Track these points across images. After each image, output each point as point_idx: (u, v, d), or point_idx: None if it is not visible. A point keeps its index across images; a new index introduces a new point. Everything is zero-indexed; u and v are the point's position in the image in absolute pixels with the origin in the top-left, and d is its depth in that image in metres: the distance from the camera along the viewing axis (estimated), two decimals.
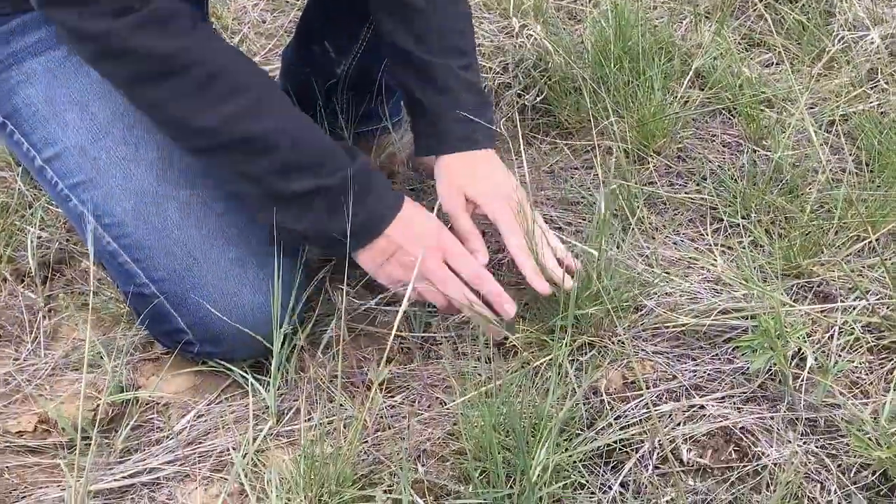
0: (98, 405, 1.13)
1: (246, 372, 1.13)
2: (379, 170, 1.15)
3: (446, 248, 1.12)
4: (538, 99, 1.63)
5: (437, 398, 1.09)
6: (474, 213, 1.21)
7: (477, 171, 1.22)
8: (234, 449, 1.05)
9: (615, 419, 1.04)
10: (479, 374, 1.09)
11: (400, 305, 1.25)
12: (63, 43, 1.13)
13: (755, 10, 1.81)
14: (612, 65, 1.60)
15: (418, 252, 1.09)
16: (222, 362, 1.15)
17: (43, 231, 1.40)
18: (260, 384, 1.12)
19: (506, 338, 1.13)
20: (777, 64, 1.72)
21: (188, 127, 1.03)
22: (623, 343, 1.14)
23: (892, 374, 1.11)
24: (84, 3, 0.96)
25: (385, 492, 0.95)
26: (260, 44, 1.97)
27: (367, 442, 1.04)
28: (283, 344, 1.10)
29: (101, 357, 1.18)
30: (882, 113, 1.55)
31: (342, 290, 1.29)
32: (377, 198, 1.10)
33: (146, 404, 1.15)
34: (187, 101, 1.01)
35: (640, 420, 1.04)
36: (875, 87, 1.61)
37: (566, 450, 0.97)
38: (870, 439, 0.99)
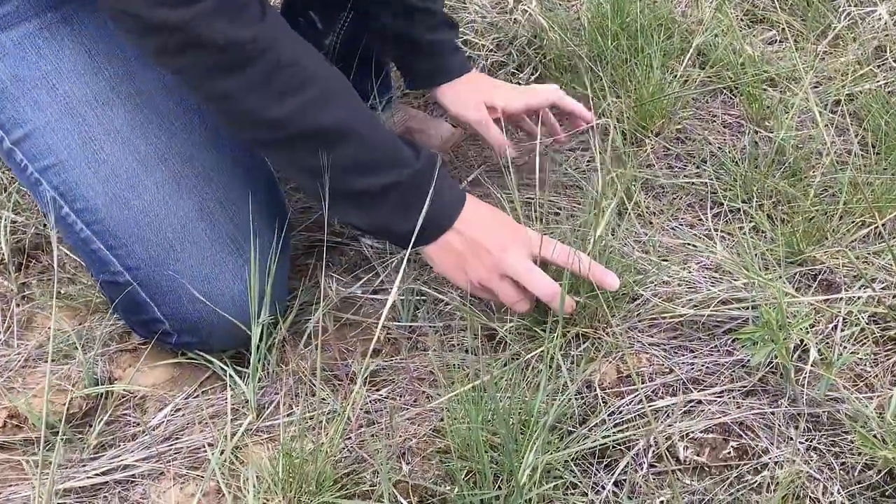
0: (70, 399, 1.09)
1: (226, 363, 1.09)
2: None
3: (528, 239, 1.06)
4: (532, 77, 1.57)
5: (424, 392, 1.05)
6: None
7: (486, 84, 1.33)
8: (210, 445, 1.01)
9: (609, 415, 0.99)
10: (467, 368, 1.04)
11: (388, 294, 1.21)
12: (127, 40, 1.07)
13: None
14: (610, 42, 1.55)
15: (497, 248, 1.05)
16: (201, 353, 1.10)
17: (18, 215, 1.35)
18: (240, 376, 1.08)
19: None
20: (781, 41, 1.66)
21: (257, 118, 0.98)
22: (618, 335, 1.09)
23: None
24: None
25: (366, 493, 0.91)
26: None
27: (349, 438, 0.99)
28: (262, 335, 1.05)
29: (76, 348, 1.13)
30: (889, 92, 1.49)
31: (328, 276, 1.25)
32: (444, 191, 1.06)
33: (122, 397, 1.10)
34: (258, 91, 0.96)
35: (635, 416, 0.99)
36: (882, 65, 1.55)
37: (557, 449, 0.93)
38: (875, 437, 0.94)
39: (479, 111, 1.30)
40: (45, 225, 1.34)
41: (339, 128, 1.00)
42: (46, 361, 1.15)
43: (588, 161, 1.43)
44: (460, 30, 1.64)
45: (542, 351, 1.05)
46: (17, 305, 1.23)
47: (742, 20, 1.74)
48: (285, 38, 0.99)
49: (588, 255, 1.06)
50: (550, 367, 1.00)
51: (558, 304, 1.00)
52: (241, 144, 1.13)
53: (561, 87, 1.52)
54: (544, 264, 1.06)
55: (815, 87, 1.55)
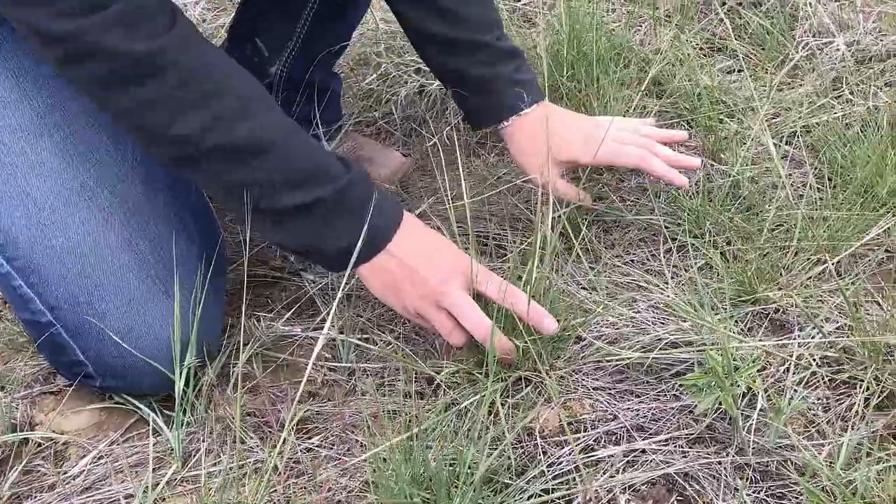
0: None
1: (154, 407, 1.04)
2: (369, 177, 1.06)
3: (467, 268, 1.02)
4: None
5: (357, 441, 1.00)
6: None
7: (555, 130, 1.21)
8: (131, 497, 0.96)
9: (548, 466, 0.95)
10: (406, 413, 0.99)
11: (329, 333, 1.17)
12: (34, 50, 1.02)
13: (718, 13, 1.73)
14: (565, 71, 1.52)
15: (435, 277, 1.00)
16: (128, 397, 1.05)
17: None
18: (168, 421, 1.02)
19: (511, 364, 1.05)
20: (739, 71, 1.64)
21: (163, 135, 0.93)
22: (562, 378, 1.05)
23: (850, 411, 1.03)
24: (51, 2, 0.86)
25: None
26: None
27: (275, 491, 0.94)
28: (189, 379, 1.00)
29: None
30: (847, 125, 1.47)
31: (265, 314, 1.20)
32: (377, 210, 0.99)
33: (42, 444, 1.05)
34: (162, 106, 0.91)
35: (576, 467, 0.95)
36: (840, 97, 1.53)
37: None
38: (824, 489, 0.90)
39: (542, 174, 1.20)
40: None
41: (253, 142, 0.94)
42: None
43: (542, 194, 1.39)
44: (412, 57, 1.61)
45: (482, 397, 1.00)
46: None
47: (702, 49, 1.72)
48: (195, 50, 0.93)
49: (528, 293, 1.01)
50: (489, 413, 0.96)
51: (489, 343, 0.96)
52: (175, 176, 1.08)
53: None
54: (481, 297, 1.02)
55: (774, 117, 1.53)
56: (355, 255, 0.93)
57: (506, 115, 1.23)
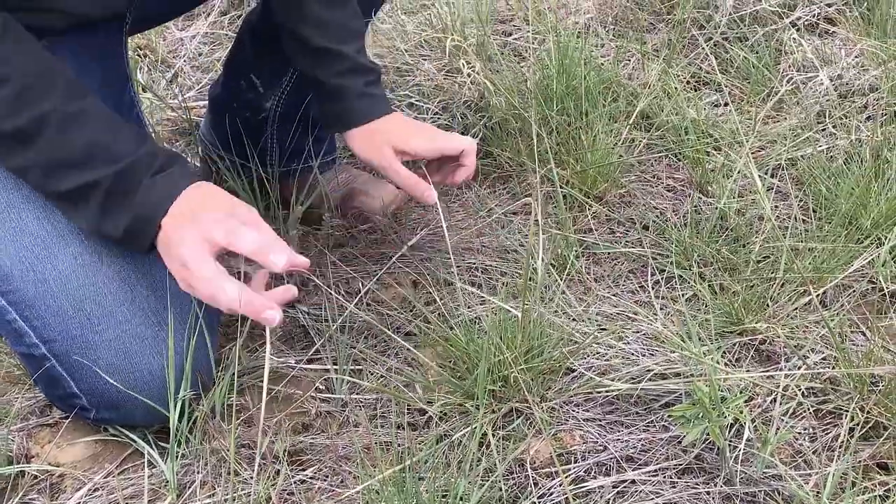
0: None
1: (148, 440, 1.05)
2: (170, 154, 1.04)
3: (216, 237, 0.97)
4: (476, 140, 1.56)
5: (350, 473, 1.01)
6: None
7: (391, 127, 1.27)
8: None
9: (539, 497, 0.96)
10: (393, 448, 1.00)
11: (323, 363, 1.18)
12: None
13: (704, 48, 1.76)
14: (555, 105, 1.55)
15: (181, 254, 0.96)
16: (122, 429, 1.06)
17: None
18: (163, 453, 1.03)
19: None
20: (725, 104, 1.67)
21: None
22: (553, 409, 1.07)
23: (836, 441, 1.05)
24: None
25: None
26: (195, 77, 1.89)
27: None
28: (184, 411, 1.01)
29: None
30: (830, 158, 1.50)
31: (260, 346, 1.21)
32: (147, 190, 0.98)
33: (38, 477, 1.06)
34: None
35: (567, 499, 0.96)
36: (824, 130, 1.56)
37: None
38: None
39: (385, 156, 1.24)
40: None
41: (27, 130, 0.95)
42: None
43: (532, 224, 1.42)
44: (404, 91, 1.64)
45: (473, 429, 1.02)
46: None
47: (689, 83, 1.75)
48: None
49: (519, 325, 1.03)
50: (480, 445, 0.97)
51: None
52: None
53: (506, 151, 1.53)
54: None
55: (759, 150, 1.56)
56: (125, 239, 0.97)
57: (354, 123, 1.28)
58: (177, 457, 1.01)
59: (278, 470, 1.01)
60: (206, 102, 1.56)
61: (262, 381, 1.15)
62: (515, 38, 1.85)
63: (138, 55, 1.91)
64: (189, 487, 1.02)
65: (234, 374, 1.13)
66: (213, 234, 0.97)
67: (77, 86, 1.01)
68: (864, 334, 1.20)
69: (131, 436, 1.05)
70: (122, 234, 0.99)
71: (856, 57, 1.68)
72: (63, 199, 1.00)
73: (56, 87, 0.98)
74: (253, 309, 0.96)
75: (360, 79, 1.27)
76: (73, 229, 1.03)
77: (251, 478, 1.01)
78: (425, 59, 1.74)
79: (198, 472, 1.02)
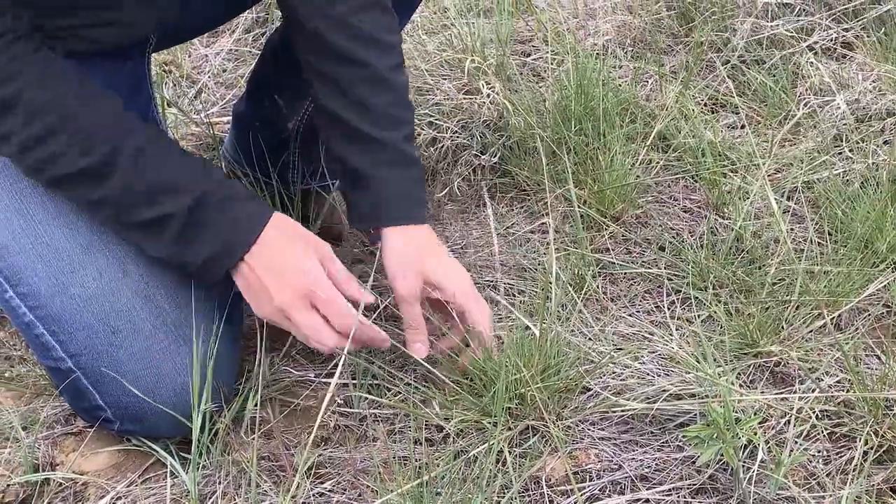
0: (8, 486, 1.06)
1: (170, 450, 1.07)
2: (239, 184, 1.09)
3: (315, 294, 1.04)
4: (494, 159, 1.58)
5: (368, 486, 1.03)
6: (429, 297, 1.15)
7: (429, 252, 1.16)
8: None
9: None
10: (410, 463, 1.02)
11: (341, 378, 1.20)
12: None
13: (721, 72, 1.78)
14: (573, 126, 1.57)
15: (282, 298, 1.03)
16: (146, 440, 1.08)
17: None
18: (184, 463, 1.05)
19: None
20: (742, 127, 1.69)
21: (21, 166, 1.03)
22: (569, 428, 1.08)
23: (849, 464, 1.06)
24: None
25: None
26: (219, 93, 1.93)
27: None
28: (205, 423, 1.04)
29: (13, 431, 1.11)
30: (847, 181, 1.51)
31: (280, 359, 1.23)
32: (230, 224, 1.04)
33: (62, 485, 1.08)
34: (13, 141, 0.98)
35: None
36: (840, 154, 1.57)
37: None
38: None
39: (410, 284, 1.12)
40: None
41: (100, 167, 0.99)
42: None
43: (549, 243, 1.43)
44: (424, 110, 1.66)
45: (490, 446, 1.03)
46: None
47: (706, 105, 1.76)
48: (50, 86, 0.98)
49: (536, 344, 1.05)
50: (497, 462, 0.98)
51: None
52: None
53: (524, 170, 1.55)
54: None
55: (776, 173, 1.57)
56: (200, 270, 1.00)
57: (384, 223, 1.16)
58: (198, 467, 1.03)
59: (297, 483, 1.03)
60: (230, 118, 1.59)
61: (281, 394, 1.18)
62: (534, 59, 1.88)
63: (164, 71, 1.94)
64: (210, 498, 1.04)
65: (254, 386, 1.15)
66: (300, 288, 1.03)
67: (138, 120, 1.05)
68: (878, 358, 1.21)
69: (154, 447, 1.07)
70: (200, 263, 1.03)
71: (873, 81, 1.69)
72: (137, 231, 1.03)
73: (124, 124, 1.02)
74: (368, 339, 1.07)
75: (402, 172, 1.16)
76: (100, 246, 1.06)
77: (271, 489, 1.03)
78: (445, 79, 1.77)
79: (219, 483, 1.04)
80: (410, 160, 1.18)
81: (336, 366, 1.21)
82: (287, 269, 1.04)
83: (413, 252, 1.14)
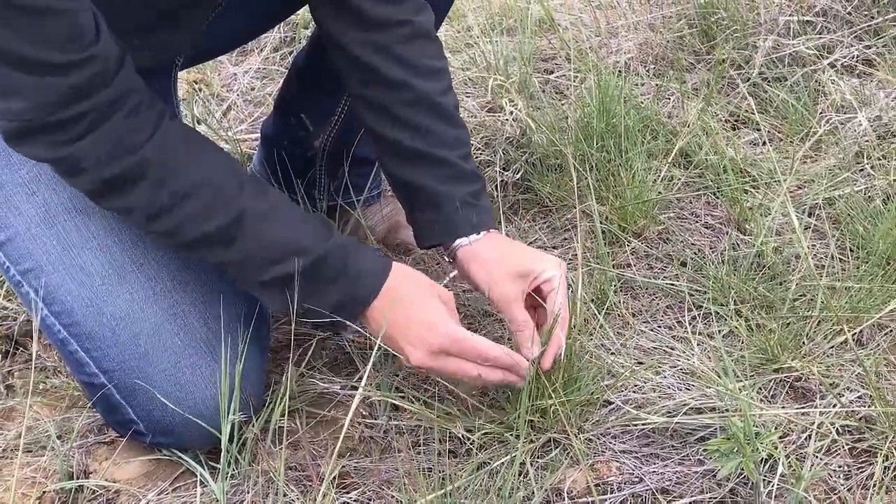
0: (44, 492, 1.09)
1: (200, 460, 1.10)
2: (357, 241, 1.11)
3: (448, 346, 1.05)
4: (517, 176, 1.61)
5: (393, 497, 1.05)
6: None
7: (511, 251, 1.16)
8: None
9: None
10: (440, 471, 1.04)
11: (366, 390, 1.22)
12: None
13: (744, 88, 1.79)
14: (595, 142, 1.59)
15: (414, 354, 1.05)
16: (176, 451, 1.11)
17: (9, 302, 1.38)
18: (213, 473, 1.08)
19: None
20: (764, 144, 1.70)
21: (147, 232, 1.07)
22: (590, 441, 1.10)
23: (870, 479, 1.06)
24: (46, 133, 0.94)
25: None
26: (248, 111, 1.97)
27: None
28: (234, 434, 1.06)
29: (50, 440, 1.14)
30: (868, 198, 1.52)
31: (306, 371, 1.26)
32: (353, 278, 1.06)
33: (95, 492, 1.11)
34: (141, 210, 1.01)
35: None
36: (862, 171, 1.58)
37: None
38: None
39: (510, 291, 1.11)
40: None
41: (225, 232, 1.02)
42: (25, 452, 1.16)
43: (571, 258, 1.45)
44: None
45: (512, 458, 1.05)
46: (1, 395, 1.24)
47: (728, 121, 1.78)
48: (172, 153, 1.01)
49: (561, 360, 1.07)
50: (519, 473, 1.00)
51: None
52: None
53: (546, 186, 1.56)
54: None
55: (797, 189, 1.58)
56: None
57: (457, 234, 1.16)
58: (227, 477, 1.06)
59: (324, 492, 1.05)
60: (258, 135, 1.63)
61: (308, 405, 1.20)
62: (557, 77, 1.90)
63: (194, 89, 1.99)
64: None
65: (281, 397, 1.17)
66: (434, 345, 1.05)
67: (259, 182, 1.09)
68: None
69: (184, 457, 1.10)
70: (329, 310, 1.06)
71: (894, 98, 1.70)
72: (259, 288, 1.07)
73: (245, 186, 1.05)
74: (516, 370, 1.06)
75: (466, 187, 1.17)
76: (131, 268, 1.10)
77: (297, 499, 1.05)
78: (469, 97, 1.80)
79: (247, 492, 1.07)
80: (472, 175, 1.19)
81: (360, 379, 1.24)
82: (417, 320, 1.06)
83: (496, 257, 1.14)
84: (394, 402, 1.17)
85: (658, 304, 1.36)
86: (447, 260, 1.26)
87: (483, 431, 1.10)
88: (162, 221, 1.02)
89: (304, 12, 1.96)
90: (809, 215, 1.51)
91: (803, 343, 1.23)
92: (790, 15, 1.88)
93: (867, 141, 1.63)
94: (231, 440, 1.06)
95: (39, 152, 0.98)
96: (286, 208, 1.08)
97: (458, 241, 1.16)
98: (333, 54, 1.20)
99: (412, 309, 1.07)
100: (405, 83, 1.15)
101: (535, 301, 1.14)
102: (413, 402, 1.18)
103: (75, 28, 0.90)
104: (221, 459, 1.04)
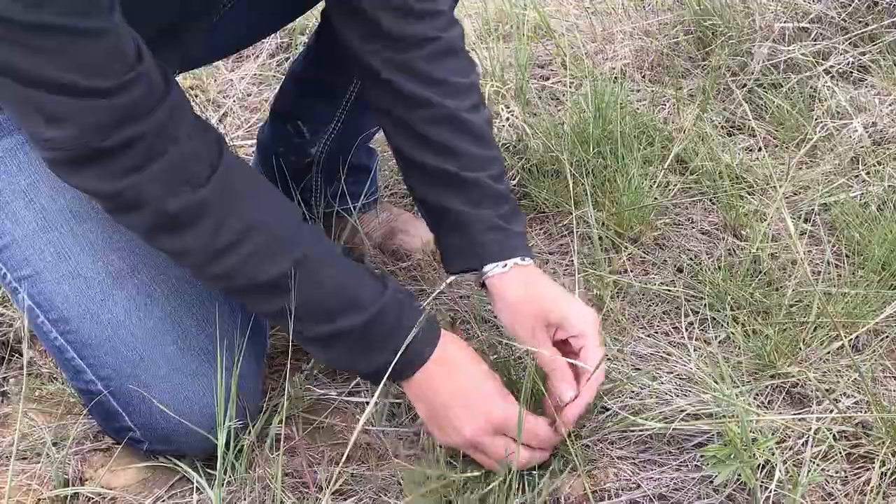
0: (39, 499, 1.09)
1: (196, 467, 1.09)
2: (411, 297, 1.06)
3: (500, 424, 1.00)
4: (513, 182, 1.61)
5: None
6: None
7: (542, 291, 1.09)
8: None
9: None
10: (432, 482, 1.04)
11: (363, 396, 1.22)
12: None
13: (739, 94, 1.80)
14: (591, 148, 1.59)
15: (469, 427, 1.00)
16: (172, 458, 1.11)
17: (6, 309, 1.37)
18: (210, 480, 1.08)
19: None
20: (760, 150, 1.70)
21: (200, 274, 1.01)
22: (587, 447, 1.10)
23: (867, 485, 1.06)
24: (100, 163, 0.91)
25: None
26: (244, 117, 1.97)
27: None
28: (230, 441, 1.06)
29: (45, 447, 1.14)
30: (864, 204, 1.52)
31: (303, 377, 1.26)
32: (404, 336, 0.99)
33: (92, 499, 1.11)
34: (196, 253, 0.97)
35: None
36: (857, 177, 1.59)
37: None
38: None
39: (534, 334, 1.07)
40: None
41: (282, 280, 0.97)
42: (19, 459, 1.15)
43: (567, 264, 1.45)
44: None
45: (508, 465, 1.05)
46: None
47: (723, 128, 1.78)
48: (228, 196, 0.96)
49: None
50: (518, 481, 1.00)
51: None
52: None
53: (543, 192, 1.56)
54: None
55: (793, 195, 1.59)
56: (385, 374, 0.96)
57: (479, 262, 1.11)
58: (223, 483, 1.06)
59: (320, 499, 1.05)
60: (254, 142, 1.63)
61: (304, 412, 1.20)
62: (553, 83, 1.91)
63: (191, 95, 1.99)
64: None
65: (278, 404, 1.17)
66: (495, 419, 1.00)
67: (313, 229, 1.04)
68: None
69: (180, 463, 1.10)
70: (372, 372, 1.01)
71: (889, 105, 1.70)
72: (311, 343, 1.03)
73: (302, 235, 1.01)
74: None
75: (492, 210, 1.11)
76: (128, 274, 1.09)
77: None
78: None
79: (243, 499, 1.06)
80: (503, 197, 1.13)
81: (358, 385, 1.24)
82: (472, 392, 1.01)
83: (522, 299, 1.08)
84: (391, 408, 1.17)
85: (655, 309, 1.36)
86: (475, 286, 1.20)
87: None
88: (218, 265, 0.97)
89: (300, 18, 1.97)
90: (805, 221, 1.51)
91: (800, 349, 1.24)
92: (785, 21, 1.89)
93: (862, 147, 1.64)
94: (228, 447, 1.05)
95: (95, 184, 0.93)
96: (341, 259, 1.03)
97: (485, 269, 1.11)
98: (356, 68, 1.17)
99: (469, 379, 1.02)
100: (427, 100, 1.11)
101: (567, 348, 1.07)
102: (409, 410, 1.19)
103: (119, 48, 0.87)
104: (218, 466, 1.04)
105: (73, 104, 0.86)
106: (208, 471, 1.09)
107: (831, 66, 1.84)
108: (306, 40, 1.83)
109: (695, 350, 1.26)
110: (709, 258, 1.45)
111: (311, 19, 2.04)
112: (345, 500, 1.07)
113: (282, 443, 1.03)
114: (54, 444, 1.15)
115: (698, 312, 1.34)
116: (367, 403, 1.20)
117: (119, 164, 0.91)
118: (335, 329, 1.00)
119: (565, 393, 1.03)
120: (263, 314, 1.06)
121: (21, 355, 1.33)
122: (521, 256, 1.11)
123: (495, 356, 1.21)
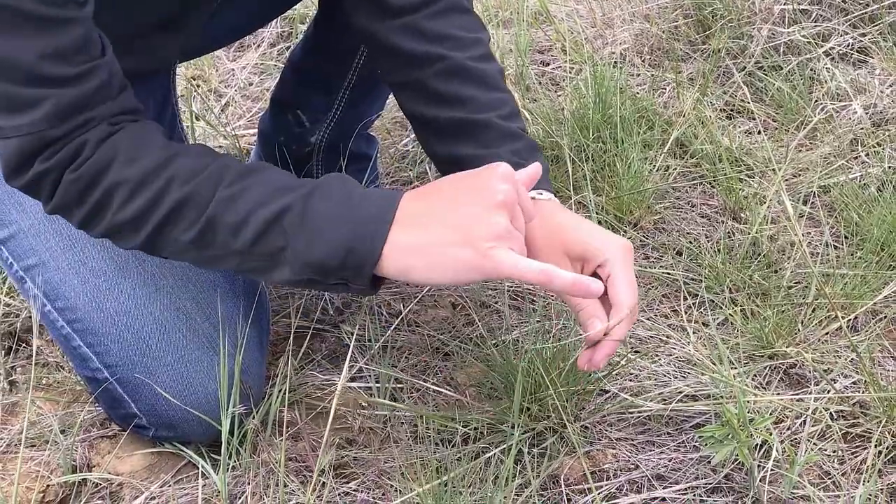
0: (48, 486, 1.11)
1: (202, 452, 1.11)
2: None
3: (512, 206, 0.83)
4: None
5: (392, 486, 1.06)
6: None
7: (562, 224, 0.97)
8: None
9: None
10: (438, 461, 1.05)
11: (366, 381, 1.24)
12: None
13: (739, 77, 1.80)
14: (591, 133, 1.60)
15: (482, 202, 0.82)
16: (178, 444, 1.13)
17: (12, 299, 1.39)
18: (215, 465, 1.09)
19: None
20: (759, 132, 1.71)
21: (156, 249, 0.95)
22: (586, 428, 1.11)
23: (864, 463, 1.07)
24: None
25: None
26: (246, 106, 1.98)
27: None
28: (234, 427, 1.08)
29: (52, 434, 1.15)
30: (864, 185, 1.52)
31: (307, 363, 1.27)
32: (359, 201, 0.86)
33: (98, 485, 1.12)
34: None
35: None
36: (856, 158, 1.59)
37: None
38: None
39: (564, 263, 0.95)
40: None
41: (198, 238, 0.90)
42: (28, 447, 1.17)
43: None
44: None
45: (508, 447, 1.06)
46: (2, 391, 1.26)
47: (723, 111, 1.79)
48: (132, 162, 0.89)
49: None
50: (516, 462, 1.01)
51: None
52: None
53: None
54: None
55: (792, 177, 1.59)
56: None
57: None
58: (228, 468, 1.07)
59: (324, 482, 1.07)
60: (256, 130, 1.64)
61: (308, 398, 1.21)
62: (553, 69, 1.91)
63: (192, 85, 2.00)
64: (239, 498, 1.08)
65: (281, 390, 1.19)
66: (501, 200, 0.83)
67: (239, 164, 0.92)
68: (894, 359, 1.23)
69: (185, 449, 1.12)
70: (343, 255, 0.85)
71: (889, 86, 1.70)
72: (257, 247, 0.89)
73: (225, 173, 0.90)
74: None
75: (510, 146, 1.04)
76: (134, 264, 1.11)
77: (298, 489, 1.07)
78: None
79: (248, 483, 1.08)
80: (514, 134, 1.05)
81: (360, 370, 1.26)
82: (463, 189, 0.85)
83: (541, 230, 0.95)
84: (392, 393, 1.19)
85: (654, 292, 1.37)
86: None
87: (480, 421, 1.11)
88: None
89: (300, 7, 1.98)
90: (804, 203, 1.52)
91: (798, 330, 1.24)
92: (785, 3, 1.88)
93: (862, 129, 1.64)
94: (232, 432, 1.07)
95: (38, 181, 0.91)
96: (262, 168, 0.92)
97: None
98: (363, 43, 1.16)
99: (451, 196, 0.86)
100: (435, 55, 1.07)
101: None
102: (411, 394, 1.20)
103: (88, 38, 0.86)
104: (222, 451, 1.06)
105: (39, 93, 0.84)
106: (213, 456, 1.11)
107: (831, 48, 1.83)
108: (306, 29, 1.83)
109: (693, 332, 1.27)
110: (708, 241, 1.46)
111: (311, 8, 2.04)
112: (347, 482, 1.08)
113: (285, 428, 1.04)
114: (62, 432, 1.17)
115: (697, 295, 1.35)
116: (370, 388, 1.21)
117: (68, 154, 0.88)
118: (274, 212, 0.86)
119: (594, 326, 0.91)
120: (211, 260, 0.94)
121: (28, 345, 1.34)
122: (538, 191, 0.99)
123: (494, 342, 1.23)
